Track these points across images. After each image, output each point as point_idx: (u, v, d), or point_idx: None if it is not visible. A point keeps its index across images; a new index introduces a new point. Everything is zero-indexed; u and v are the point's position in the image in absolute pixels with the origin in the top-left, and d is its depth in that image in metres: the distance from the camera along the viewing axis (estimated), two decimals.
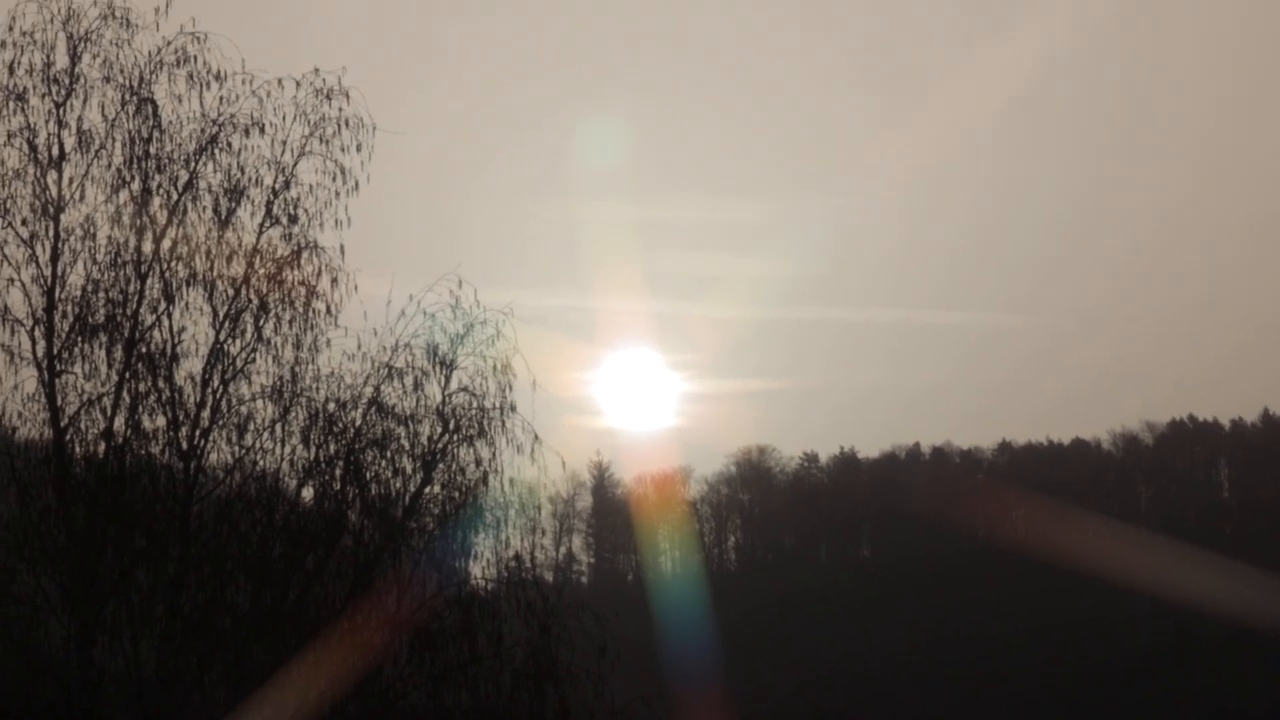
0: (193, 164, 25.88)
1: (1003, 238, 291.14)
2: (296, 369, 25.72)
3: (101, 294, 25.37)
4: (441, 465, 25.80)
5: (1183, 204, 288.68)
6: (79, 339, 25.22)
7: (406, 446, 25.75)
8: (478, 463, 25.82)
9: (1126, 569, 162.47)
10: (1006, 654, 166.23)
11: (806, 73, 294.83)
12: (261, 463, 25.65)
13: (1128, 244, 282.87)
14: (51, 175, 25.70)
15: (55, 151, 25.73)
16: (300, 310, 25.76)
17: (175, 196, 25.74)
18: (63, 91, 25.82)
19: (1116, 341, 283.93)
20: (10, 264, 25.40)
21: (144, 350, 25.27)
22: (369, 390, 25.82)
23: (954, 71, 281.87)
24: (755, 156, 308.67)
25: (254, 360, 25.63)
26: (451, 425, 25.83)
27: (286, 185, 26.11)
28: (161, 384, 25.27)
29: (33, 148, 25.71)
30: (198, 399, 25.41)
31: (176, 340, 25.45)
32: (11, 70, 25.78)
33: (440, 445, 25.81)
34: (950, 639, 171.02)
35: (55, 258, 25.49)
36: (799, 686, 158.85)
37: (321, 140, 26.24)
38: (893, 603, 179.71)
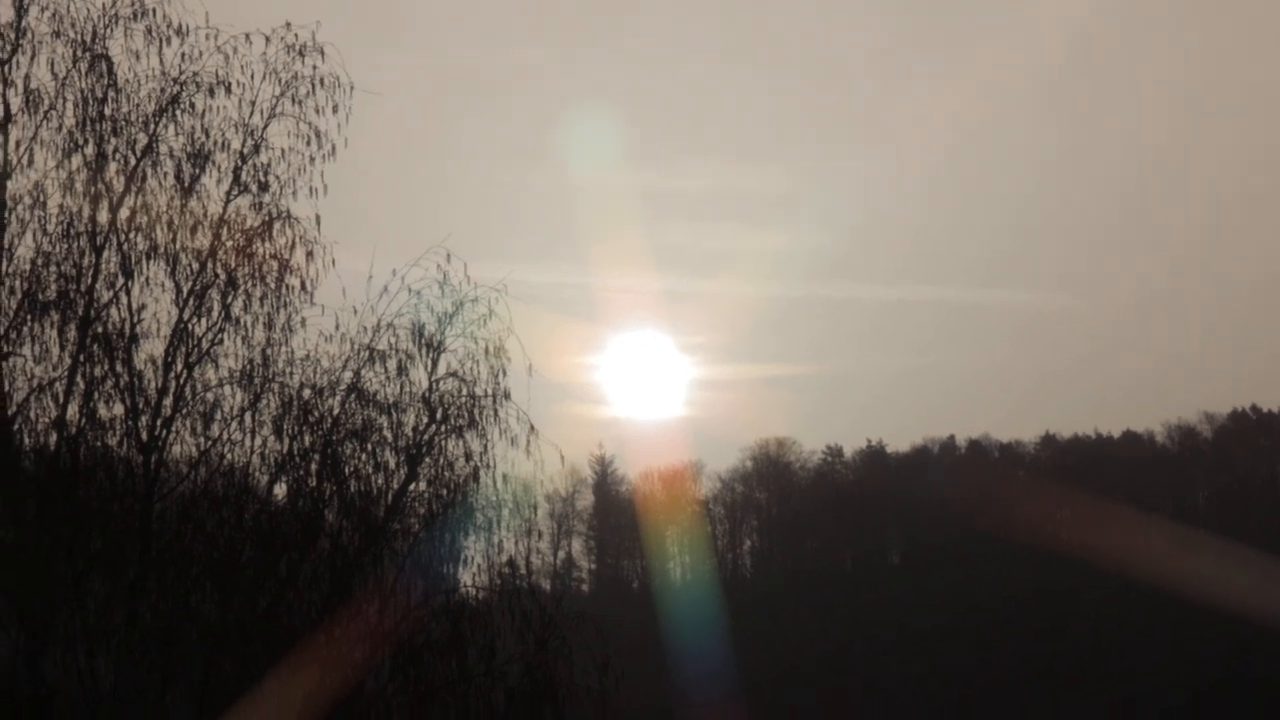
0: (152, 126, 25.91)
1: (1052, 209, 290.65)
2: (268, 351, 25.74)
3: (53, 268, 25.37)
4: (428, 459, 25.79)
5: (1251, 178, 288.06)
6: (28, 318, 25.22)
7: (389, 438, 25.74)
8: (468, 456, 25.82)
9: (1182, 576, 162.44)
10: (1050, 677, 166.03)
11: (830, 21, 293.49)
12: (229, 456, 25.67)
13: (1191, 219, 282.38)
14: None
15: (0, 113, 25.70)
16: (272, 286, 25.78)
17: (133, 162, 25.76)
18: (8, 47, 25.84)
19: (1174, 325, 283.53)
20: None
21: (100, 330, 25.27)
22: (348, 375, 25.83)
23: (1000, 19, 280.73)
24: (773, 116, 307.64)
25: (221, 342, 25.65)
26: (439, 414, 25.82)
27: (256, 150, 26.14)
28: (119, 368, 25.26)
29: None
30: (159, 385, 25.41)
31: (136, 319, 25.45)
32: None
33: (426, 437, 25.80)
34: (988, 659, 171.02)
35: (1, 229, 25.48)
36: (821, 705, 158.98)
37: (294, 101, 26.29)
38: (925, 613, 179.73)
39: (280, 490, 25.80)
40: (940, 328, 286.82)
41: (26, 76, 25.80)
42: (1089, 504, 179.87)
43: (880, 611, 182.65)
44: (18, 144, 25.73)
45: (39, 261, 25.37)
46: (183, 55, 26.07)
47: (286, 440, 25.60)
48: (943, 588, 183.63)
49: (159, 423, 25.34)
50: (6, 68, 25.81)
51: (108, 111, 25.81)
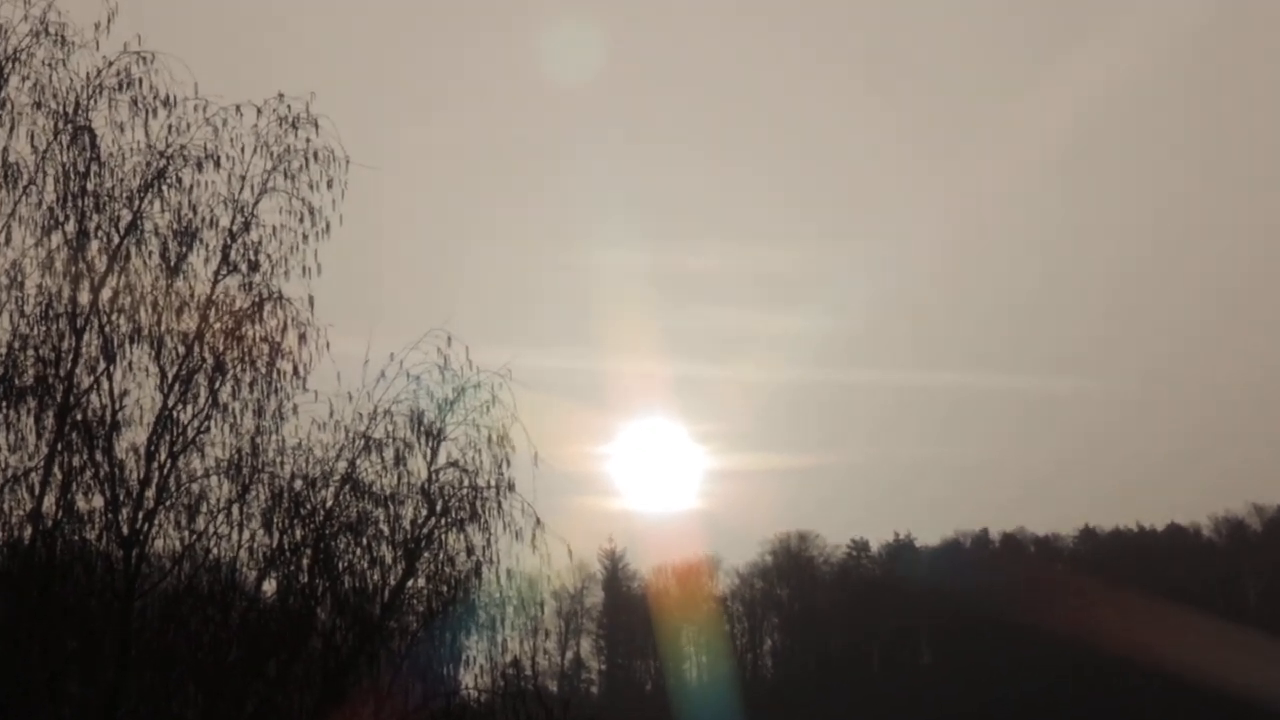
0: (137, 202, 26.03)
1: (1071, 290, 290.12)
2: (258, 440, 25.77)
3: (30, 351, 25.46)
4: (427, 553, 25.78)
5: (1272, 251, 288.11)
6: (3, 404, 25.27)
7: (386, 531, 25.75)
8: (469, 551, 25.81)
9: (1232, 675, 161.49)
10: None
11: (841, 110, 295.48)
12: (215, 550, 25.65)
13: (1220, 294, 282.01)
14: None
15: None
16: (262, 371, 25.84)
17: (117, 239, 25.87)
18: None
19: (1214, 408, 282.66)
20: None
21: (79, 417, 25.32)
22: (342, 465, 25.85)
23: (1007, 108, 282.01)
24: (786, 200, 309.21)
25: (208, 430, 25.68)
26: (439, 506, 25.83)
27: (246, 227, 26.26)
28: (99, 457, 25.29)
29: None
30: (141, 475, 25.43)
31: (118, 406, 25.50)
32: None
33: (425, 530, 25.80)
34: None
35: None
36: None
37: (286, 176, 26.42)
38: (959, 714, 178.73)
39: (270, 587, 25.79)
40: (964, 414, 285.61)
41: (5, 149, 26.00)
42: (1132, 600, 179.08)
43: (911, 712, 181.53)
44: None
45: (15, 345, 25.46)
46: (170, 127, 26.27)
47: (276, 534, 25.60)
48: (978, 687, 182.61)
49: (141, 515, 25.34)
50: None
51: (90, 186, 25.94)
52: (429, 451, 25.96)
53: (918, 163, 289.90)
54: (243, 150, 26.36)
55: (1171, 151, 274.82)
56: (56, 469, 25.21)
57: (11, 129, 26.05)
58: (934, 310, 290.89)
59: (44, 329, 25.56)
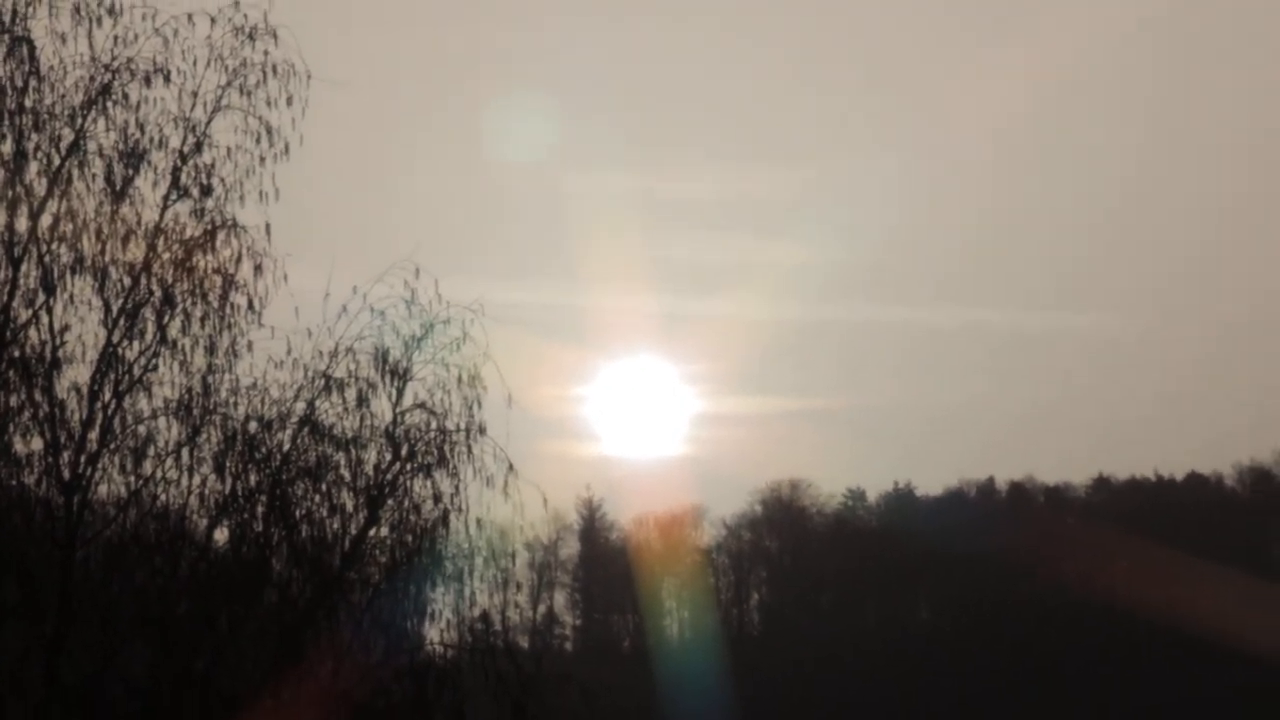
0: (79, 120, 25.99)
1: (1120, 223, 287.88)
2: (209, 379, 25.85)
3: None
4: (391, 501, 25.92)
5: None
6: None
7: (347, 477, 25.87)
8: (437, 498, 25.95)
9: (1256, 634, 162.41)
10: None
11: (847, 17, 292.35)
12: (163, 496, 25.77)
13: (1252, 227, 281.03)
14: None
15: None
16: (214, 305, 25.88)
17: (57, 161, 25.84)
18: None
19: (1249, 360, 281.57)
20: None
21: (16, 354, 25.37)
22: (300, 406, 25.96)
23: (1031, 21, 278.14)
24: (788, 110, 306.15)
25: (155, 368, 25.75)
26: (404, 451, 25.95)
27: (198, 148, 26.25)
28: (39, 396, 25.38)
29: None
30: (84, 416, 25.52)
31: (58, 342, 25.56)
32: None
33: (390, 476, 25.93)
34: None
35: None
36: None
37: (242, 92, 26.39)
38: (959, 678, 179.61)
39: (221, 535, 25.90)
40: (979, 357, 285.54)
41: None
42: (1149, 554, 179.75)
43: (908, 671, 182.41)
44: None
45: None
46: (115, 38, 26.16)
47: (229, 479, 25.71)
48: (980, 647, 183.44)
49: (83, 459, 25.44)
50: None
51: (28, 103, 25.83)
52: (394, 392, 26.06)
53: (948, 68, 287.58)
54: (195, 64, 26.30)
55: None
56: None
57: None
58: (958, 242, 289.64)
59: None
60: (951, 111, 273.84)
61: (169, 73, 26.21)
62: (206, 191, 26.12)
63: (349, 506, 25.81)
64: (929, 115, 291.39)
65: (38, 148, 25.82)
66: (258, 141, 26.28)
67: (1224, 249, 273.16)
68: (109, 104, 26.06)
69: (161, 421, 25.74)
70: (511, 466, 25.96)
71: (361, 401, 25.93)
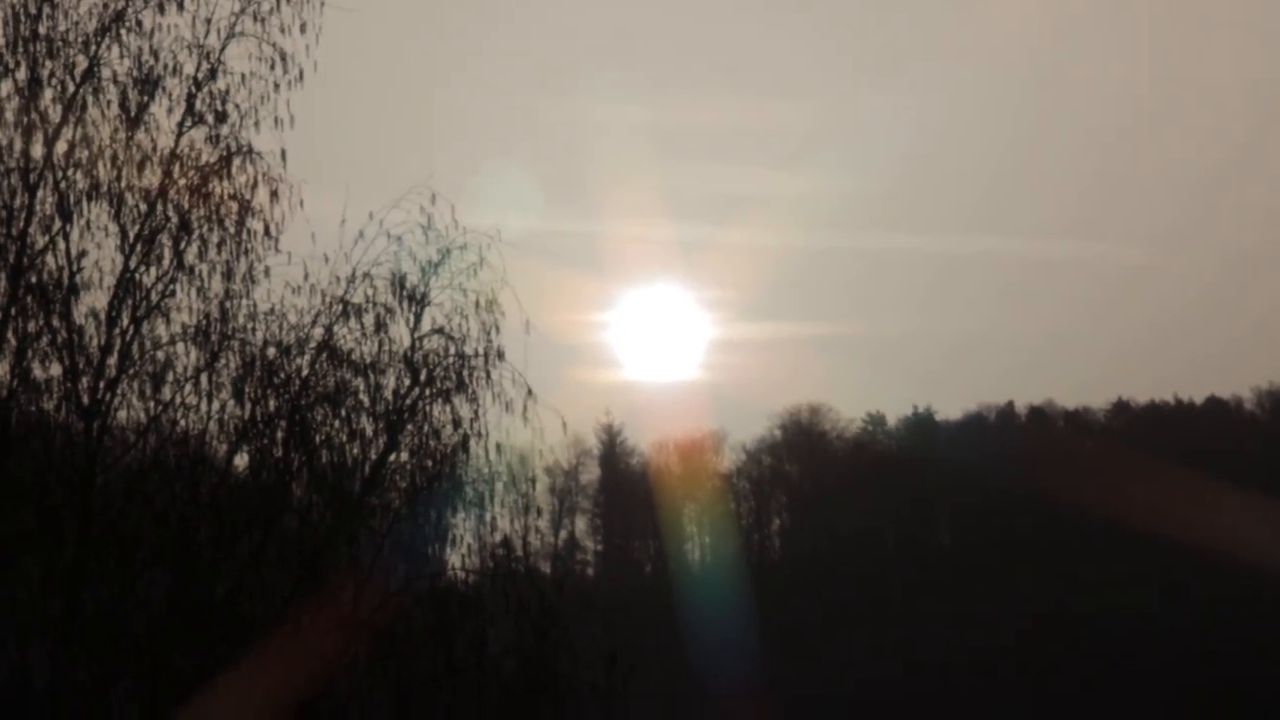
0: (93, 47, 25.93)
1: (1138, 150, 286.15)
2: (227, 304, 25.84)
3: None
4: (410, 426, 25.92)
5: None
6: None
7: (366, 402, 25.87)
8: (456, 423, 25.95)
9: (1273, 558, 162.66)
10: (1123, 665, 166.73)
11: None
12: (182, 422, 25.79)
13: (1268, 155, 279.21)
14: None
15: None
16: (231, 231, 25.86)
17: (72, 88, 25.79)
18: None
19: (1267, 284, 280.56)
20: None
21: (34, 280, 25.36)
22: (319, 332, 25.94)
23: None
24: (803, 39, 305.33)
25: (173, 293, 25.75)
26: (423, 376, 25.94)
27: (212, 74, 26.18)
28: (56, 322, 25.36)
29: None
30: (102, 342, 25.50)
31: (75, 267, 25.54)
32: None
33: (409, 401, 25.92)
34: (1051, 646, 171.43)
35: None
36: (858, 701, 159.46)
37: (256, 18, 26.33)
38: (977, 601, 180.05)
39: (241, 461, 25.94)
40: (996, 284, 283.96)
41: None
42: (1168, 478, 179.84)
43: (927, 596, 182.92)
44: None
45: None
46: None
47: (248, 405, 25.72)
48: (1000, 570, 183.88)
49: (102, 385, 25.44)
50: None
51: (42, 30, 25.79)
52: (412, 317, 26.03)
53: (941, 7, 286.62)
54: None
55: None
56: (10, 334, 25.28)
57: None
58: (974, 169, 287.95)
59: None
60: (965, 40, 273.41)
61: (182, 0, 26.12)
62: (221, 118, 26.10)
63: (368, 432, 25.83)
64: (942, 45, 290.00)
65: (52, 74, 25.80)
66: (272, 68, 26.28)
67: (1241, 172, 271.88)
68: (123, 31, 26.03)
69: (180, 347, 25.78)
70: (530, 391, 25.99)
71: (379, 327, 25.92)
